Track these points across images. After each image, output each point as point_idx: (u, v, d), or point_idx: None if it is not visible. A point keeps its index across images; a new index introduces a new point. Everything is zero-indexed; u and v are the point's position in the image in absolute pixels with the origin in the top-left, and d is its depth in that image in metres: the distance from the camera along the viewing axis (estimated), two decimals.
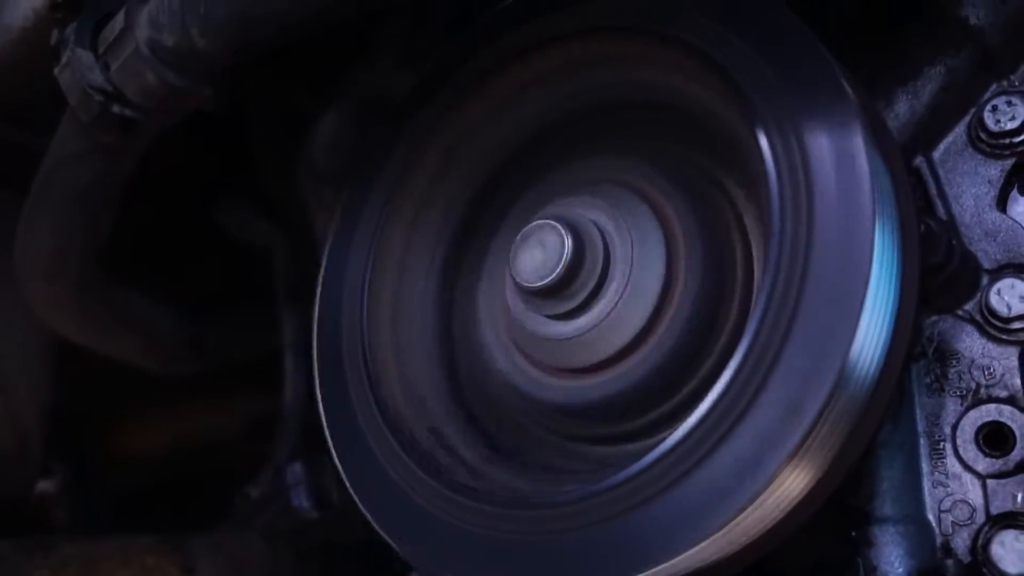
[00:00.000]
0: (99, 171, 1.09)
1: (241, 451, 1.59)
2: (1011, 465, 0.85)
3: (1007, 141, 0.92)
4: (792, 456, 0.74)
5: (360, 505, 0.96)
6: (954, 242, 0.88)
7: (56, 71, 0.98)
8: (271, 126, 1.46)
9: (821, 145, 0.78)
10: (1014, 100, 0.92)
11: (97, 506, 1.91)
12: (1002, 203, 0.92)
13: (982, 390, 0.88)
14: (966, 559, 0.85)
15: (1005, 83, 0.94)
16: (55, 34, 1.00)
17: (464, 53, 1.04)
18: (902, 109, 0.95)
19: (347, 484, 0.98)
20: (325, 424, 1.02)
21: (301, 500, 1.29)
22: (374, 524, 0.94)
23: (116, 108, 0.96)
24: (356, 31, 1.21)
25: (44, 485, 1.79)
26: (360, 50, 1.25)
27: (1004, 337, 0.88)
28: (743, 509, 0.74)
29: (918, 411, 0.90)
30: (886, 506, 0.88)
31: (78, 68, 0.96)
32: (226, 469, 1.54)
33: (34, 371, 1.42)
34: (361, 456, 0.97)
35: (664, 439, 0.79)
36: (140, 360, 1.48)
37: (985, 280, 0.90)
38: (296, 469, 1.29)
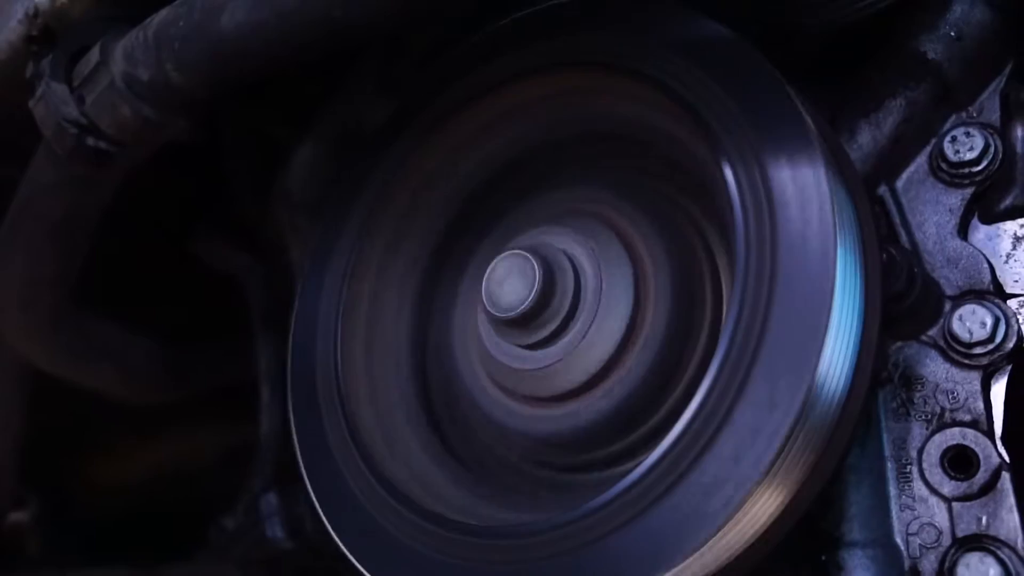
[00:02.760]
0: (73, 202, 1.09)
1: (216, 481, 1.58)
2: (975, 488, 0.86)
3: (967, 171, 0.94)
4: (760, 482, 0.75)
5: (334, 536, 0.96)
6: (916, 270, 0.90)
7: (31, 103, 0.99)
8: (246, 156, 1.46)
9: (784, 176, 0.80)
10: (972, 131, 0.94)
11: (71, 537, 1.88)
12: (963, 231, 0.94)
13: (947, 414, 0.89)
14: None
15: (964, 115, 0.96)
16: (30, 67, 1.00)
17: (436, 87, 1.05)
18: (865, 140, 0.97)
19: (321, 515, 0.98)
20: (300, 457, 1.02)
21: (276, 531, 1.28)
22: (348, 555, 0.94)
23: (91, 141, 0.97)
24: (331, 64, 1.23)
25: (17, 515, 1.77)
26: (335, 83, 1.26)
27: (967, 362, 0.89)
28: (712, 535, 0.75)
29: (885, 435, 0.91)
30: (855, 530, 0.89)
31: (53, 101, 0.96)
32: (201, 499, 1.53)
33: (7, 400, 1.41)
34: (335, 487, 0.97)
35: (634, 467, 0.80)
36: (114, 389, 1.47)
37: (948, 306, 0.91)
38: (271, 500, 1.28)
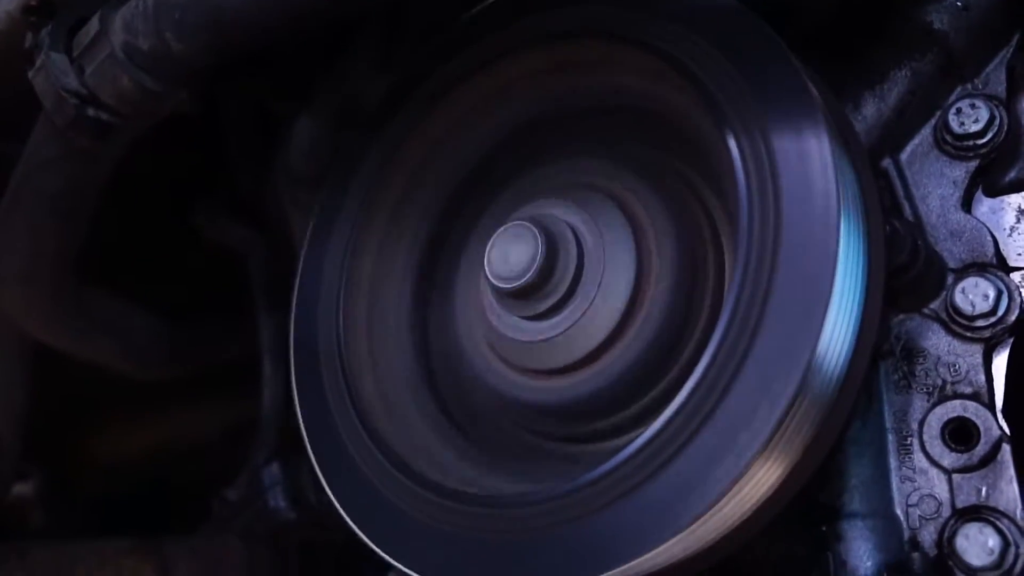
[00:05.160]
0: (74, 175, 1.09)
1: (219, 454, 1.59)
2: (975, 460, 0.87)
3: (971, 143, 0.94)
4: (761, 452, 0.75)
5: (337, 506, 0.96)
6: (920, 242, 0.90)
7: (30, 74, 0.98)
8: (247, 130, 1.46)
9: (787, 147, 0.80)
10: (977, 103, 0.94)
11: (73, 510, 1.90)
12: (967, 204, 0.94)
13: (948, 387, 0.90)
14: (932, 552, 0.86)
15: (969, 86, 0.96)
16: (29, 37, 0.99)
17: (437, 59, 1.05)
18: (869, 112, 0.97)
19: (325, 485, 0.98)
20: (302, 427, 1.02)
21: (278, 501, 1.29)
22: (351, 525, 0.95)
23: (91, 112, 0.96)
24: (331, 36, 1.22)
25: (20, 489, 1.78)
26: (335, 55, 1.25)
27: (969, 335, 0.89)
28: (713, 505, 0.75)
29: (886, 408, 0.92)
30: (855, 501, 0.90)
31: (52, 72, 0.96)
32: (204, 472, 1.54)
33: (9, 375, 1.42)
34: (338, 458, 0.98)
35: (635, 438, 0.80)
36: (116, 364, 1.47)
37: (950, 279, 0.91)
38: (273, 471, 1.29)
